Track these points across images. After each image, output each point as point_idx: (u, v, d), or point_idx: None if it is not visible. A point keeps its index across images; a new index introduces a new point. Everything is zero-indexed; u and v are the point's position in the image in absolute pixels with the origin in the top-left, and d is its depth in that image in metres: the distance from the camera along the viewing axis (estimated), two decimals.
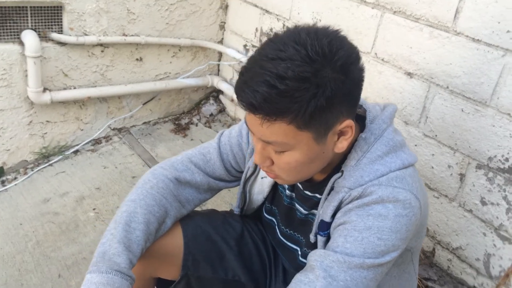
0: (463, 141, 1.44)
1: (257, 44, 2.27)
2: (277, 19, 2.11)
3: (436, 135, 1.51)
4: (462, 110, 1.42)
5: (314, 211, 1.01)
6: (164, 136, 2.43)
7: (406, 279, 1.04)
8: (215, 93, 2.69)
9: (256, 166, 1.07)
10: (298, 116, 0.77)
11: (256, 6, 2.22)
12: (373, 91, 1.71)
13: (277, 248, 1.17)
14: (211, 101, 2.67)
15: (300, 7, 1.96)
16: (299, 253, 1.07)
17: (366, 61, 1.71)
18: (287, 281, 1.16)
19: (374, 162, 0.89)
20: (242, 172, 1.14)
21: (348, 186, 0.88)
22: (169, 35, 2.31)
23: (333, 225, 0.91)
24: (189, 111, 2.66)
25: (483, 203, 1.43)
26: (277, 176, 0.91)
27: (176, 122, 2.56)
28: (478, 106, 1.38)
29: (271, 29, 2.16)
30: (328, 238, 0.93)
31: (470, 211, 1.47)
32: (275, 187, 1.11)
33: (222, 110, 2.65)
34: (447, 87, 1.45)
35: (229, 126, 2.54)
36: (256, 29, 2.26)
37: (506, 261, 1.41)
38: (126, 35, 2.15)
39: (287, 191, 1.07)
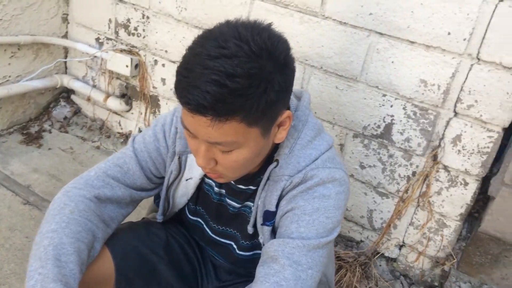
0: (340, 115, 1.60)
1: (113, 37, 2.11)
2: (134, 8, 1.99)
3: (315, 112, 1.65)
4: (337, 87, 1.57)
5: (248, 203, 1.02)
6: (14, 149, 2.11)
7: (331, 249, 1.14)
8: (65, 94, 2.43)
9: (180, 169, 1.03)
10: (250, 114, 0.76)
11: None
12: None
13: (207, 246, 1.14)
14: (62, 103, 2.40)
15: None
16: (235, 247, 1.07)
17: None
18: (219, 277, 1.16)
19: (305, 147, 0.93)
20: (162, 178, 1.07)
21: (287, 174, 0.91)
22: (4, 32, 1.99)
23: (279, 213, 0.93)
24: (37, 117, 2.34)
25: (362, 167, 1.62)
26: (221, 176, 0.89)
27: (25, 132, 2.24)
28: (350, 82, 1.55)
29: (128, 20, 2.03)
30: (273, 228, 0.95)
31: (352, 175, 1.66)
32: (199, 187, 1.08)
33: (77, 111, 2.41)
34: (321, 68, 1.58)
35: (89, 128, 2.33)
36: (110, 21, 2.09)
37: (386, 213, 1.63)
38: None
39: (216, 188, 1.05)
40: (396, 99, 1.49)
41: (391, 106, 1.50)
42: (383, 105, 1.51)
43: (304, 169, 0.91)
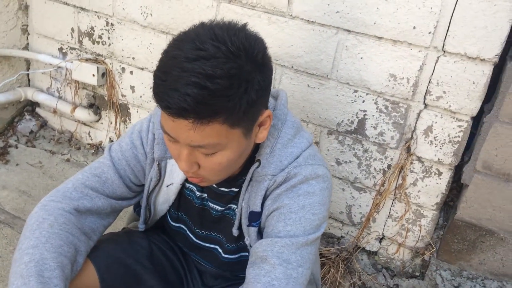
0: (313, 112, 1.61)
1: (77, 46, 2.05)
2: (98, 16, 1.94)
3: None
4: (308, 86, 1.58)
5: (232, 205, 1.01)
6: None
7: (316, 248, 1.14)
8: (29, 107, 2.35)
9: (160, 175, 1.01)
10: (233, 114, 0.76)
11: (67, 4, 1.99)
12: None
13: (191, 252, 1.13)
14: (27, 117, 2.32)
15: (124, 1, 1.84)
16: (220, 250, 1.06)
17: None
18: (205, 282, 1.15)
19: (286, 146, 0.93)
20: (142, 185, 1.05)
21: (270, 173, 0.91)
22: None
23: (265, 213, 0.93)
24: (2, 132, 2.25)
25: (338, 163, 1.64)
26: (203, 179, 0.88)
27: None
28: (322, 80, 1.56)
29: (92, 28, 1.98)
30: (259, 228, 0.95)
31: None
32: (180, 192, 1.06)
33: (44, 124, 2.33)
34: (292, 67, 1.59)
35: (57, 140, 2.26)
36: (73, 30, 2.03)
37: (364, 207, 1.65)
38: None
39: (197, 193, 1.04)
40: (367, 94, 1.50)
41: (363, 101, 1.52)
42: (355, 101, 1.53)
43: (286, 167, 0.91)
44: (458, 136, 1.42)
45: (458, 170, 1.52)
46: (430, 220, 1.57)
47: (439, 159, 1.47)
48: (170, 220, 1.11)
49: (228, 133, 0.78)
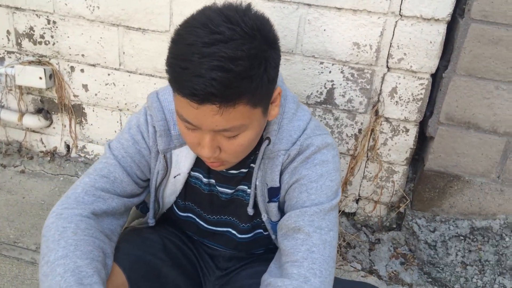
0: None
1: (15, 49, 1.91)
2: (36, 15, 1.81)
3: None
4: None
5: (242, 186, 1.03)
6: None
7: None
8: None
9: (167, 167, 0.99)
10: (255, 95, 0.77)
11: None
12: None
13: (203, 239, 1.13)
14: None
15: None
16: (234, 232, 1.08)
17: (168, 40, 1.69)
18: (219, 266, 1.16)
19: (292, 120, 0.96)
20: (147, 180, 1.03)
21: (283, 148, 0.94)
22: None
23: (284, 187, 0.96)
24: None
25: None
26: (223, 163, 0.88)
27: None
28: (287, 56, 1.59)
29: (31, 28, 1.84)
30: (278, 203, 0.98)
31: None
32: (186, 182, 1.06)
33: None
34: None
35: (6, 152, 2.11)
36: (9, 32, 1.88)
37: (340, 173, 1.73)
38: None
39: (204, 180, 1.04)
40: (333, 64, 1.56)
41: (330, 72, 1.58)
42: (322, 73, 1.58)
43: (297, 140, 0.94)
44: (421, 94, 1.53)
45: (420, 125, 1.64)
46: (401, 175, 1.68)
47: (405, 117, 1.58)
48: (177, 211, 1.10)
49: (250, 113, 0.79)
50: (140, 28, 1.71)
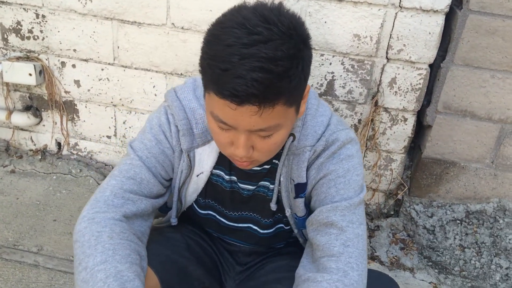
0: None
1: (1, 45, 1.84)
2: (24, 9, 1.75)
3: None
4: None
5: (264, 183, 1.03)
6: None
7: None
8: None
9: (191, 166, 0.99)
10: (293, 94, 0.77)
11: None
12: (181, 62, 1.70)
13: (224, 235, 1.14)
14: None
15: None
16: (255, 228, 1.09)
17: (164, 34, 1.66)
18: (239, 262, 1.17)
19: (315, 116, 0.97)
20: (170, 180, 1.03)
21: (309, 144, 0.95)
22: None
23: (311, 182, 0.97)
24: None
25: None
26: (253, 162, 0.89)
27: None
28: None
29: (18, 23, 1.78)
30: (304, 198, 0.99)
31: None
32: (207, 180, 1.05)
33: None
34: None
35: None
36: None
37: None
38: None
39: (226, 177, 1.04)
40: (334, 56, 1.58)
41: (330, 63, 1.59)
42: (322, 64, 1.60)
43: (322, 136, 0.95)
44: (419, 84, 1.57)
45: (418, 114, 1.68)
46: (399, 163, 1.73)
47: (404, 107, 1.62)
48: (198, 209, 1.10)
49: (286, 112, 0.80)
50: (135, 22, 1.67)
